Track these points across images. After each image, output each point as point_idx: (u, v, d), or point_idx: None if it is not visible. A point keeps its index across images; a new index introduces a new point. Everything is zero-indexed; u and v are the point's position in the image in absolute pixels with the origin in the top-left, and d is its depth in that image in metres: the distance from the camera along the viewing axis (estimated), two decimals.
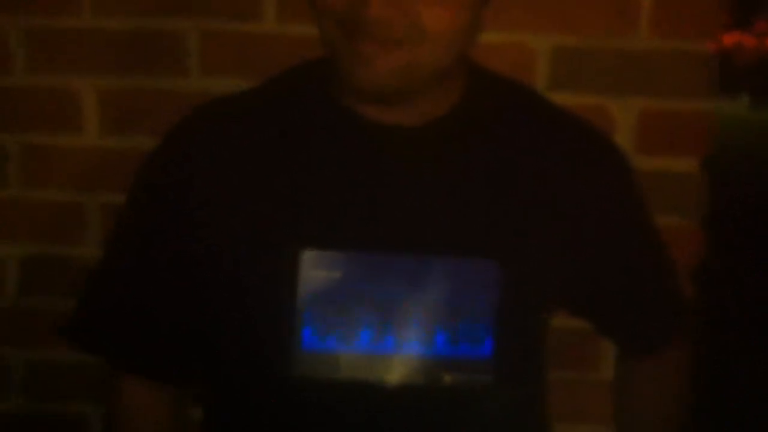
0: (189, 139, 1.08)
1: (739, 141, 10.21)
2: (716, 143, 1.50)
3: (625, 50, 1.48)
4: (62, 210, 1.58)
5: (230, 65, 1.52)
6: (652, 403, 1.22)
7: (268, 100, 1.08)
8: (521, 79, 1.18)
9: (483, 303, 1.01)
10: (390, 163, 1.03)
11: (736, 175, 7.56)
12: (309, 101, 1.06)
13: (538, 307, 1.10)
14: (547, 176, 1.06)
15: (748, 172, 8.50)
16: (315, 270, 1.00)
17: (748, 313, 4.32)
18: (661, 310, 1.19)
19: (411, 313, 1.01)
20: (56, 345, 1.33)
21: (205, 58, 1.53)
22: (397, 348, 1.01)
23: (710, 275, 1.58)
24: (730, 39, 16.06)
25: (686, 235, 1.49)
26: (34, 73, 1.56)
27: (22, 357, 1.62)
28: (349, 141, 1.04)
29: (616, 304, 1.17)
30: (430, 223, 1.02)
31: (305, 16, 1.47)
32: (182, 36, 1.52)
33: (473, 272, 1.01)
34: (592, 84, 1.49)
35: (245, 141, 1.05)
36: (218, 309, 1.06)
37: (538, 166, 1.06)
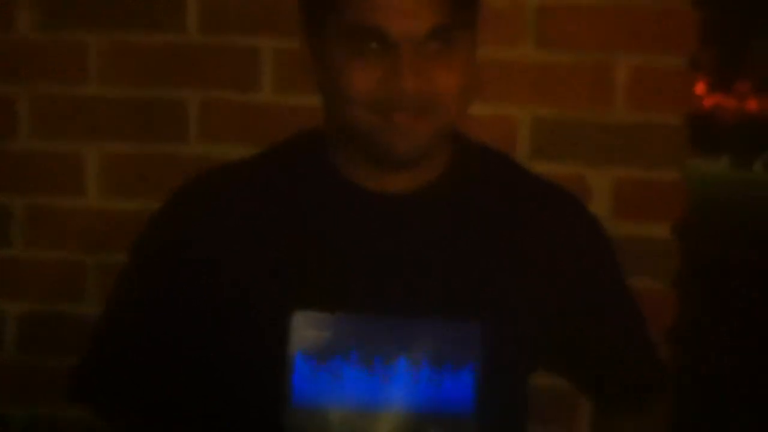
0: (192, 205, 1.14)
1: (720, 200, 10.31)
2: (697, 203, 1.56)
3: (601, 122, 1.57)
4: (63, 269, 1.63)
5: (229, 132, 1.59)
6: None
7: (268, 168, 1.15)
8: (503, 148, 1.24)
9: (466, 361, 1.07)
10: (380, 229, 1.10)
11: (716, 233, 7.63)
12: (306, 169, 1.13)
13: (520, 365, 1.15)
14: (525, 239, 1.13)
15: (729, 230, 8.58)
16: (306, 330, 1.06)
17: (721, 373, 4.36)
18: (639, 367, 1.25)
19: (396, 371, 1.06)
20: (55, 401, 1.37)
21: (204, 126, 1.60)
22: (383, 404, 1.06)
23: (684, 335, 1.63)
24: (710, 101, 16.25)
25: (660, 297, 1.56)
26: (40, 138, 1.63)
27: (22, 413, 1.65)
28: (342, 208, 1.11)
29: (594, 362, 1.23)
30: (416, 286, 1.09)
31: (301, 88, 1.55)
32: (183, 104, 1.60)
33: (456, 333, 1.07)
34: (571, 154, 1.57)
35: (245, 207, 1.12)
36: (213, 367, 1.11)
37: (518, 230, 1.13)
